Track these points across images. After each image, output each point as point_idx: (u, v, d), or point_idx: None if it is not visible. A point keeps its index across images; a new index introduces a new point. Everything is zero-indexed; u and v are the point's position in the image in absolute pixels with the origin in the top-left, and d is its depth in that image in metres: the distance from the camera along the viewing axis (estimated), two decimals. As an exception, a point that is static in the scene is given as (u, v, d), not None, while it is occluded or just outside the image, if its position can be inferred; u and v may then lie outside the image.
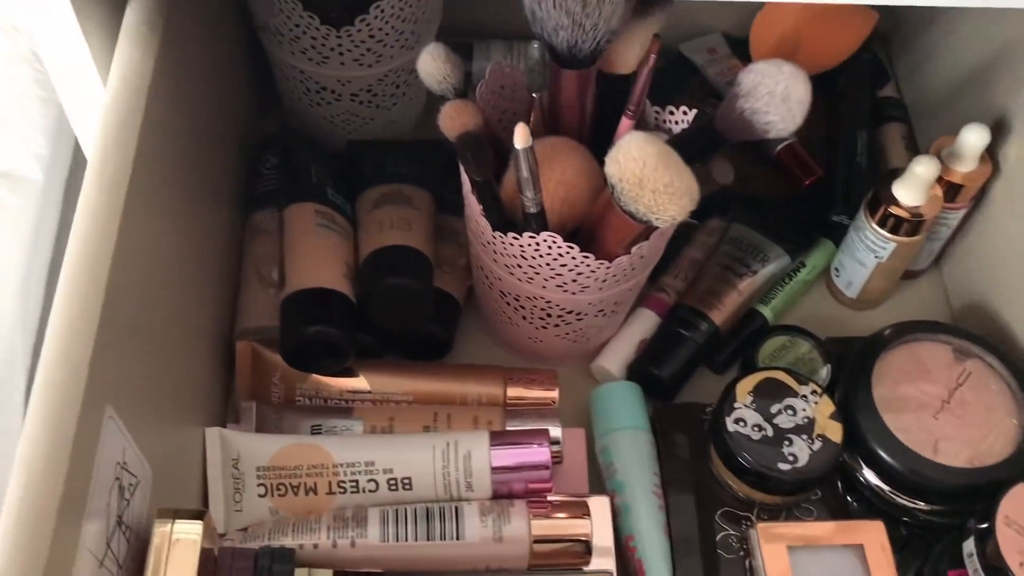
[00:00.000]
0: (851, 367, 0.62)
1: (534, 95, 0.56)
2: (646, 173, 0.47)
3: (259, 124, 0.76)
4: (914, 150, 0.76)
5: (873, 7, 0.77)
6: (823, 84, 0.69)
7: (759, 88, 0.49)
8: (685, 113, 0.57)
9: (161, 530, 0.44)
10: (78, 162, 0.78)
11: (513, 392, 0.63)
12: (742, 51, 0.80)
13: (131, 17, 0.50)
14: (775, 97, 0.48)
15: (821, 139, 0.76)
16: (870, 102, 0.78)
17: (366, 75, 0.67)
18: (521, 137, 0.49)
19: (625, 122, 0.56)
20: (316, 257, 0.62)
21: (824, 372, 0.66)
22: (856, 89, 0.78)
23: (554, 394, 0.63)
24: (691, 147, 0.51)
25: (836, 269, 0.72)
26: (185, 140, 0.55)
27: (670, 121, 0.59)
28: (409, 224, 0.64)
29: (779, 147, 0.74)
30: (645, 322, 0.67)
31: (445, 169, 0.70)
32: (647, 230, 0.52)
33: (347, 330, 0.60)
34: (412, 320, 0.63)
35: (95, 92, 0.51)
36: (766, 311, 0.70)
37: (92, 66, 0.50)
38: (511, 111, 0.60)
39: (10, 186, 0.71)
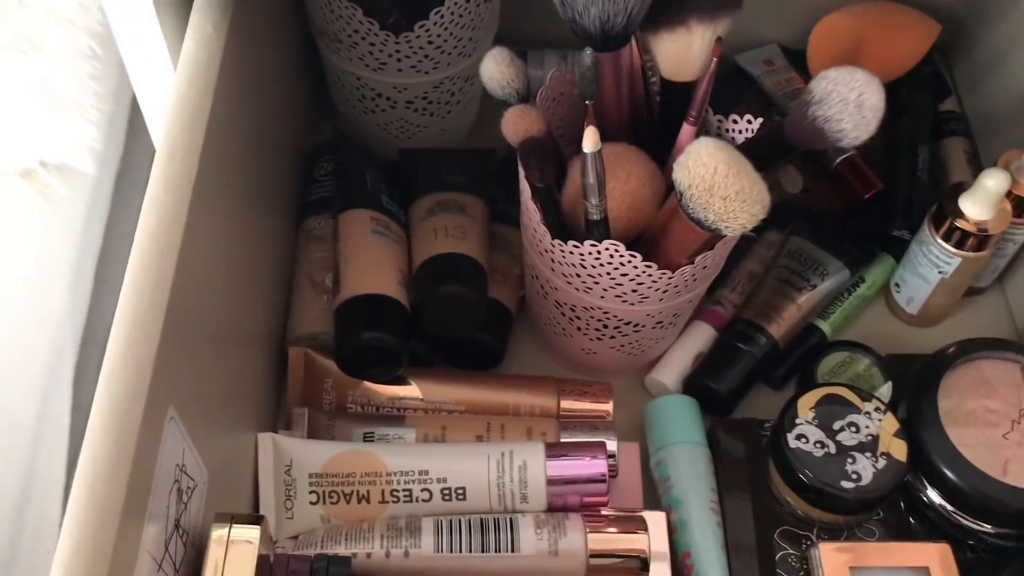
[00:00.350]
0: (915, 384, 0.61)
1: (587, 103, 0.56)
2: (717, 179, 0.46)
3: (313, 130, 0.76)
4: (976, 165, 0.75)
5: (937, 19, 0.76)
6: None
7: (832, 95, 0.48)
8: (750, 122, 0.56)
9: (218, 534, 0.43)
10: (129, 156, 0.79)
11: (567, 404, 0.62)
12: (799, 63, 0.79)
13: (197, 17, 0.50)
14: (848, 104, 0.47)
15: (881, 152, 0.74)
16: (932, 116, 0.76)
17: (422, 82, 0.67)
18: (590, 141, 0.48)
19: (687, 128, 0.55)
20: (371, 263, 0.61)
21: (885, 389, 0.65)
22: (918, 102, 0.76)
23: (608, 407, 0.62)
24: (759, 154, 0.50)
25: (896, 284, 0.70)
26: (246, 143, 0.55)
27: (733, 130, 0.57)
28: (464, 232, 0.63)
29: (838, 160, 0.73)
30: (701, 335, 0.66)
31: (498, 178, 0.70)
32: (712, 239, 0.51)
33: (401, 337, 0.60)
34: (466, 328, 0.62)
35: (166, 75, 0.52)
36: (825, 326, 0.68)
37: (166, 55, 0.51)
38: (568, 119, 0.59)
39: (64, 178, 0.71)
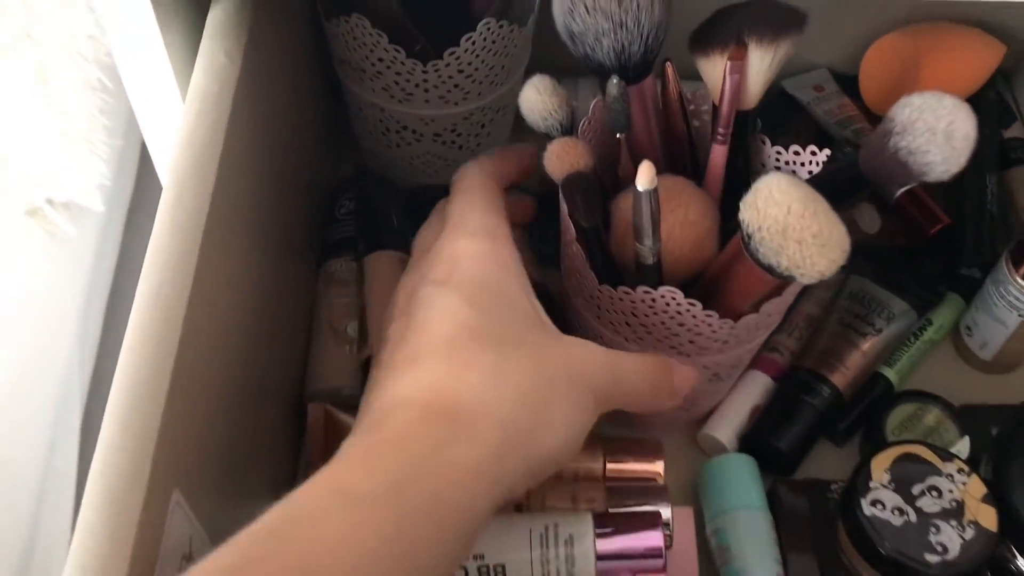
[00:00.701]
0: (1001, 441, 0.55)
1: (619, 136, 0.51)
2: (791, 221, 0.41)
3: (333, 165, 0.71)
4: (1049, 196, 0.69)
5: (1000, 39, 0.71)
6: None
7: (917, 124, 0.42)
8: (814, 153, 0.51)
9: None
10: (140, 193, 0.77)
11: (614, 465, 0.57)
12: (851, 88, 0.74)
13: (208, 45, 0.46)
14: (936, 134, 0.42)
15: (944, 184, 0.69)
16: (997, 144, 0.71)
17: (451, 113, 0.62)
18: (645, 177, 0.43)
19: (717, 149, 0.50)
20: (398, 311, 0.56)
21: (962, 445, 0.59)
22: (982, 129, 0.70)
23: (659, 467, 0.56)
24: (831, 191, 0.45)
25: (968, 327, 0.64)
26: (261, 181, 0.50)
27: (795, 163, 0.52)
28: None
29: (899, 192, 0.67)
30: (757, 386, 0.60)
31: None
32: (780, 285, 0.46)
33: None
34: None
35: (174, 109, 0.48)
36: (891, 374, 0.62)
37: (174, 85, 0.47)
38: (611, 155, 0.54)
39: (72, 216, 0.68)
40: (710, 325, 0.48)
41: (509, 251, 0.43)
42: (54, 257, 0.68)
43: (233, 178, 0.44)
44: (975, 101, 0.71)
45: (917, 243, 0.67)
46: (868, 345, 0.61)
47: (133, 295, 0.37)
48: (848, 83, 0.74)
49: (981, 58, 0.70)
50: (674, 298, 0.47)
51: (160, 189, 0.52)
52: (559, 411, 0.39)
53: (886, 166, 0.44)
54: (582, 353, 0.41)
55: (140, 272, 0.39)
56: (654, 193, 0.43)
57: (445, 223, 0.45)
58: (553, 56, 0.68)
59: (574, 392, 0.39)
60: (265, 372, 0.53)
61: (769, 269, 0.43)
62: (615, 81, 0.48)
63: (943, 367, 0.65)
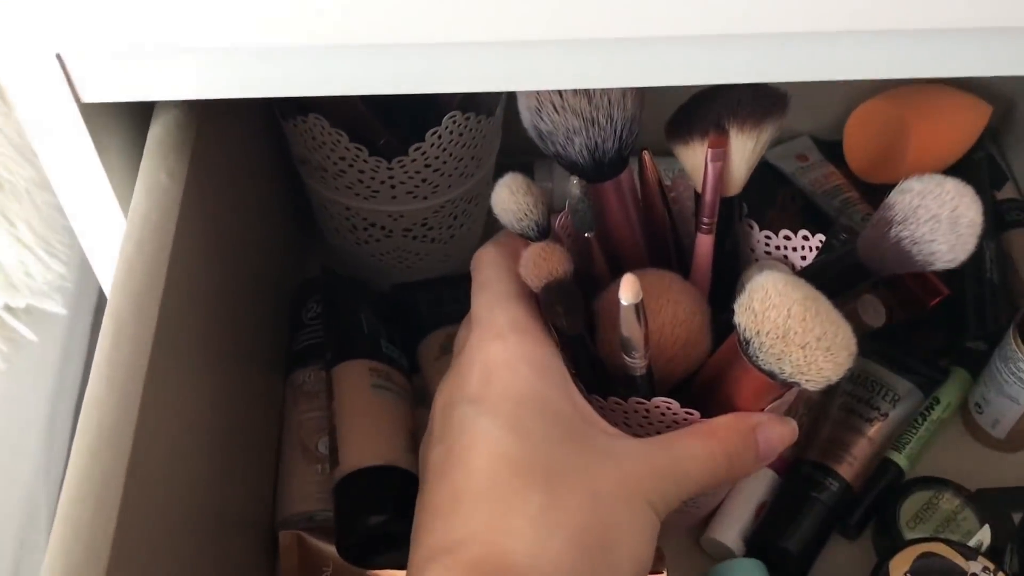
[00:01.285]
0: (1026, 532, 0.51)
1: (587, 235, 0.48)
2: (792, 324, 0.38)
3: (299, 265, 0.67)
4: (1049, 258, 0.66)
5: (985, 99, 0.69)
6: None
7: (919, 212, 0.39)
8: (806, 239, 0.48)
9: None
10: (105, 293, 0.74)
11: None
12: (836, 155, 0.71)
13: (148, 165, 0.42)
14: (941, 222, 0.39)
15: (940, 251, 0.66)
16: (991, 206, 0.68)
17: (421, 208, 0.59)
18: (630, 291, 0.39)
19: (702, 239, 0.47)
20: (373, 428, 0.52)
21: (983, 535, 0.55)
22: (977, 194, 0.68)
23: (661, 578, 0.52)
24: (829, 283, 0.41)
25: (978, 404, 0.61)
26: (216, 299, 0.47)
27: (786, 248, 0.49)
28: None
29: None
30: (761, 482, 0.56)
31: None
32: (783, 389, 0.42)
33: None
34: None
35: (116, 231, 0.45)
36: (901, 460, 0.59)
37: (116, 207, 0.43)
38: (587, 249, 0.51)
39: (32, 323, 0.65)
40: (709, 434, 0.44)
41: (543, 348, 0.39)
42: (15, 367, 0.65)
43: (181, 306, 0.41)
44: (964, 163, 0.69)
45: (917, 316, 0.64)
46: (874, 431, 0.58)
47: None
48: (832, 150, 0.72)
49: (968, 120, 0.68)
50: (669, 407, 0.43)
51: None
52: (622, 547, 0.35)
53: (888, 256, 0.41)
54: (635, 465, 0.37)
55: None
56: (640, 306, 0.40)
57: (472, 322, 0.41)
58: (525, 137, 0.66)
59: (635, 517, 0.36)
60: (231, 498, 0.49)
61: (771, 375, 0.40)
62: (575, 182, 0.45)
63: (954, 447, 0.62)
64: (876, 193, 0.69)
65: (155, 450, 0.37)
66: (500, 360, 0.38)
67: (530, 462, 0.35)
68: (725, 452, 0.39)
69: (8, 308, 0.65)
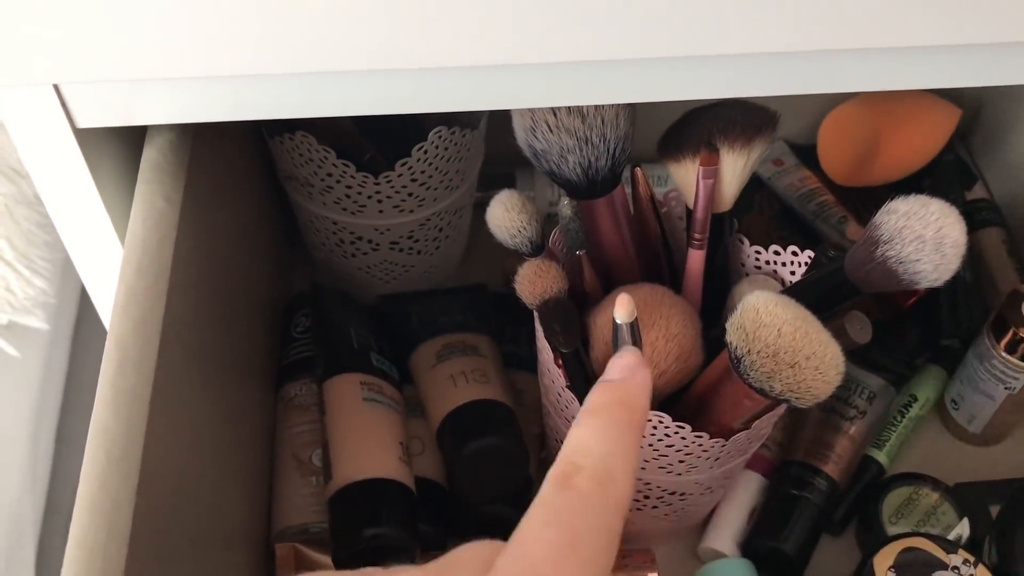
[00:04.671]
0: (1006, 521, 0.53)
1: (579, 253, 0.49)
2: (782, 343, 0.39)
3: (286, 279, 0.68)
4: (1018, 256, 0.68)
5: (956, 102, 0.70)
6: (906, 191, 0.61)
7: (904, 232, 0.40)
8: (795, 254, 0.49)
9: None
10: (86, 305, 0.75)
11: (605, 582, 0.53)
12: (810, 159, 0.73)
13: (144, 190, 0.42)
14: (926, 243, 0.40)
15: (914, 252, 0.67)
16: (961, 206, 0.70)
17: (407, 221, 0.59)
18: (624, 310, 0.40)
19: (694, 254, 0.48)
20: (367, 441, 0.53)
21: (961, 528, 0.57)
22: (944, 193, 0.69)
23: (653, 581, 0.54)
24: (815, 300, 0.43)
25: (954, 401, 0.63)
26: (211, 320, 0.47)
27: (774, 263, 0.50)
28: (485, 375, 0.56)
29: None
30: (750, 486, 0.58)
31: (498, 315, 0.62)
32: (774, 404, 0.43)
33: (409, 528, 0.51)
34: (507, 487, 0.54)
35: (112, 253, 0.45)
36: (881, 456, 0.61)
37: (111, 230, 0.44)
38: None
39: (14, 339, 0.65)
40: (701, 445, 0.45)
41: None
42: None
43: (180, 329, 0.41)
44: (935, 165, 0.71)
45: (892, 316, 0.65)
46: (854, 429, 0.59)
47: (86, 408, 0.34)
48: (806, 154, 0.73)
49: (938, 123, 0.70)
50: (661, 421, 0.44)
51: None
52: None
53: (874, 275, 0.42)
54: None
55: (92, 385, 0.36)
56: (634, 324, 0.41)
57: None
58: (507, 146, 0.67)
59: None
60: (229, 513, 0.49)
61: (761, 392, 0.41)
62: (566, 202, 0.46)
63: (931, 443, 0.63)
64: (851, 196, 0.71)
65: (160, 472, 0.37)
66: None
67: None
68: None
69: (-10, 325, 0.65)
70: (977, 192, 0.72)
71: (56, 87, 0.39)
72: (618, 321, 0.41)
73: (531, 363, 0.60)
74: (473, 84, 0.39)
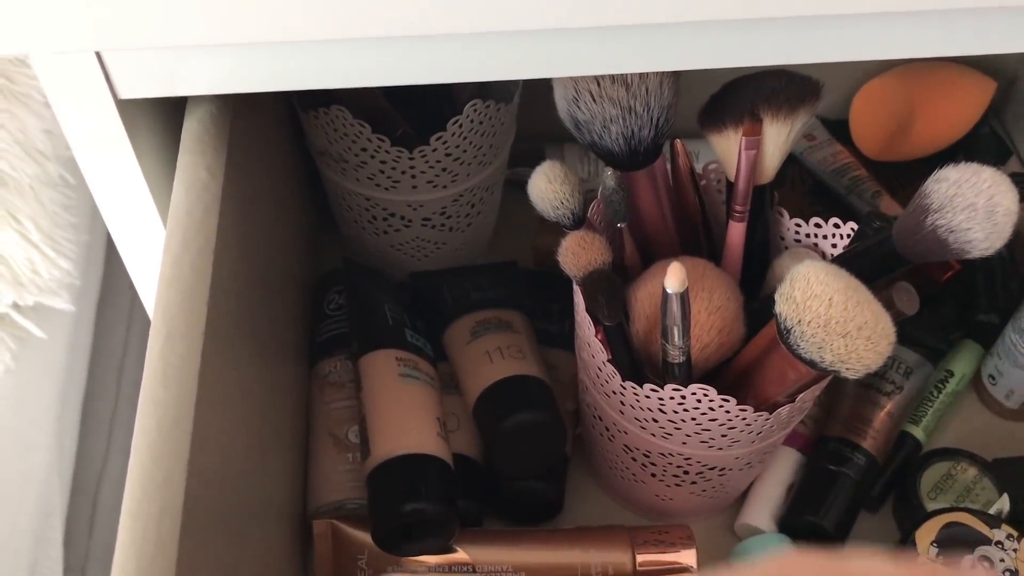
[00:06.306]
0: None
1: (620, 225, 0.48)
2: (833, 314, 0.38)
3: (317, 256, 0.67)
4: (1055, 231, 0.67)
5: (990, 75, 0.69)
6: (941, 165, 0.61)
7: (956, 201, 0.40)
8: (837, 227, 0.48)
9: None
10: (109, 286, 0.75)
11: (643, 557, 0.53)
12: (843, 134, 0.72)
13: (186, 160, 0.42)
14: (977, 211, 0.40)
15: (948, 227, 0.67)
16: (998, 180, 0.69)
17: (440, 197, 0.59)
18: (676, 279, 0.40)
19: (734, 227, 0.48)
20: (404, 417, 0.53)
21: (1002, 503, 0.56)
22: (981, 168, 0.69)
23: (691, 557, 0.53)
24: (864, 271, 0.42)
25: (992, 376, 0.62)
26: (252, 295, 0.47)
27: (815, 236, 0.50)
28: (521, 351, 0.56)
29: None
30: (787, 462, 0.57)
31: (529, 292, 0.62)
32: (820, 376, 0.43)
33: (449, 502, 0.51)
34: (544, 462, 0.55)
35: (153, 226, 0.45)
36: (918, 432, 0.60)
37: (151, 203, 0.44)
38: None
39: (40, 319, 0.65)
40: (744, 419, 0.45)
41: None
42: (24, 363, 0.65)
43: (225, 302, 0.41)
44: (969, 138, 0.70)
45: (928, 290, 0.65)
46: (891, 404, 0.59)
47: (109, 388, 0.34)
48: (838, 129, 0.72)
49: (973, 96, 0.69)
50: (706, 394, 0.44)
51: (131, 279, 0.49)
52: None
53: (924, 244, 0.41)
54: None
55: (115, 365, 0.36)
56: (685, 294, 0.41)
57: None
58: (536, 122, 0.66)
59: None
60: (269, 489, 0.49)
61: (811, 364, 0.40)
62: (610, 173, 0.46)
63: (968, 418, 0.63)
64: (884, 171, 0.70)
65: (209, 445, 0.37)
66: None
67: None
68: None
69: (16, 306, 0.65)
70: (1012, 166, 0.71)
71: (99, 55, 0.38)
72: (669, 291, 0.41)
73: (563, 340, 0.60)
74: (519, 51, 0.39)
